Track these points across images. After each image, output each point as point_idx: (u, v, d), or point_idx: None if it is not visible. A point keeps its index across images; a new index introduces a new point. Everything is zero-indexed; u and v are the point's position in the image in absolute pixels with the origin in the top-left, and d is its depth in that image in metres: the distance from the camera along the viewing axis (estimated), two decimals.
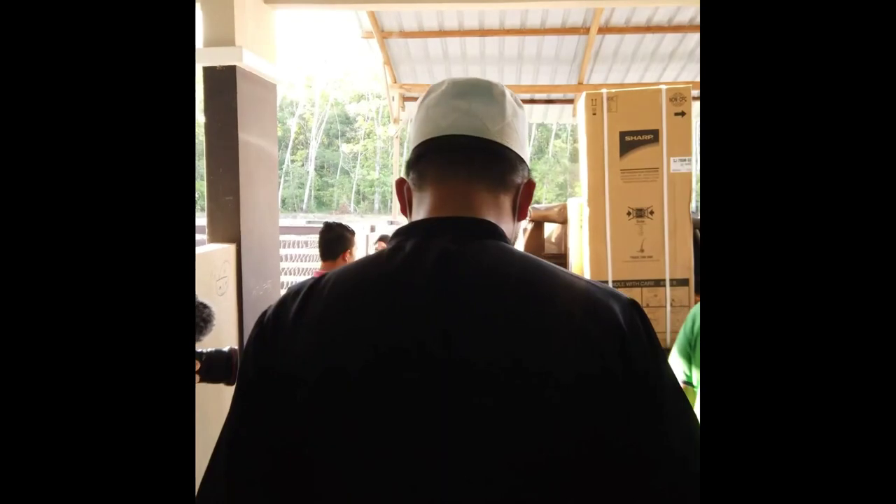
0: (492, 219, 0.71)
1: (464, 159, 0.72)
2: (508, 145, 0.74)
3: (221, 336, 2.45)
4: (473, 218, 0.70)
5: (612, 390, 0.59)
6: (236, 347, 1.62)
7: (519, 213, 0.77)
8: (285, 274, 5.89)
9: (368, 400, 0.59)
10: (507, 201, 0.74)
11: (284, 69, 2.99)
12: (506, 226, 0.73)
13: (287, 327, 0.65)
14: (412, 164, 0.75)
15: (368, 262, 0.69)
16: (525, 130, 0.78)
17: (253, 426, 0.64)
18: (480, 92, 0.74)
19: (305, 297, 0.66)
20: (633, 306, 0.65)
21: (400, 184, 0.78)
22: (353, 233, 3.02)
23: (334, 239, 2.92)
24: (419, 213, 0.73)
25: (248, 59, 2.58)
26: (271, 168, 2.89)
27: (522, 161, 0.76)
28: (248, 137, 2.64)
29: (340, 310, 0.64)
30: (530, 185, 0.77)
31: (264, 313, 0.69)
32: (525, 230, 4.13)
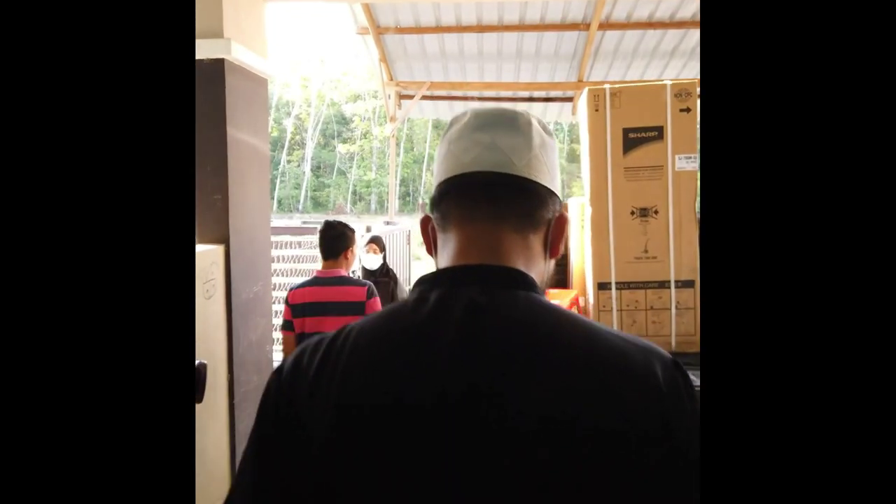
0: (521, 264, 0.68)
1: (488, 198, 0.69)
2: (536, 179, 0.70)
3: (209, 342, 2.35)
4: (501, 266, 0.66)
5: (647, 456, 0.56)
6: (205, 362, 1.51)
7: (551, 250, 0.72)
8: (279, 275, 5.79)
9: (389, 453, 0.58)
10: (536, 241, 0.70)
11: (278, 66, 2.90)
12: (536, 268, 0.70)
13: (308, 378, 0.63)
14: (435, 204, 0.73)
15: (392, 313, 0.66)
16: (555, 160, 0.74)
17: (269, 475, 0.63)
18: (504, 123, 0.71)
19: (327, 348, 0.64)
20: (675, 367, 0.62)
21: (425, 222, 0.75)
22: (353, 231, 2.96)
23: (336, 237, 2.87)
24: (444, 257, 0.71)
25: (238, 53, 2.48)
26: (262, 166, 2.79)
27: (553, 194, 0.72)
28: (238, 134, 2.54)
29: (364, 362, 0.62)
30: (562, 220, 0.72)
31: (281, 365, 0.67)
32: None
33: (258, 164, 2.74)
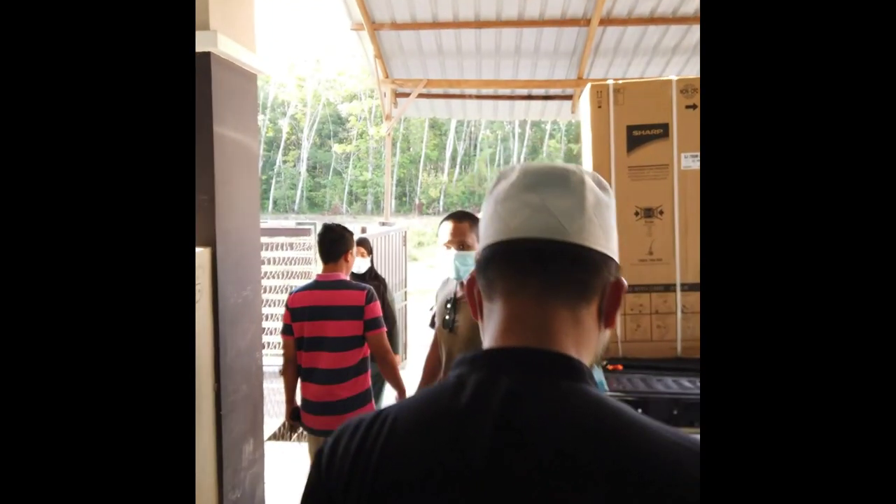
0: (570, 344, 0.63)
1: (536, 268, 0.64)
2: (589, 245, 0.65)
3: (196, 351, 2.24)
4: (546, 351, 0.62)
5: None
6: None
7: (606, 320, 0.67)
8: (273, 278, 5.69)
9: None
10: (588, 315, 0.65)
11: (274, 66, 2.79)
12: (588, 345, 0.65)
13: (345, 466, 0.63)
14: (481, 269, 0.69)
15: (429, 401, 0.64)
16: (612, 219, 0.69)
17: None
18: (555, 182, 0.67)
19: (364, 435, 0.64)
20: None
21: (471, 284, 0.71)
22: (352, 234, 2.94)
23: (336, 240, 2.84)
24: (488, 330, 0.68)
25: (224, 46, 2.37)
26: (251, 165, 2.68)
27: (608, 259, 0.66)
28: (225, 131, 2.43)
29: (399, 452, 0.61)
30: (618, 287, 0.66)
31: (321, 449, 0.67)
32: None
33: (247, 162, 2.63)
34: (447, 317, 2.34)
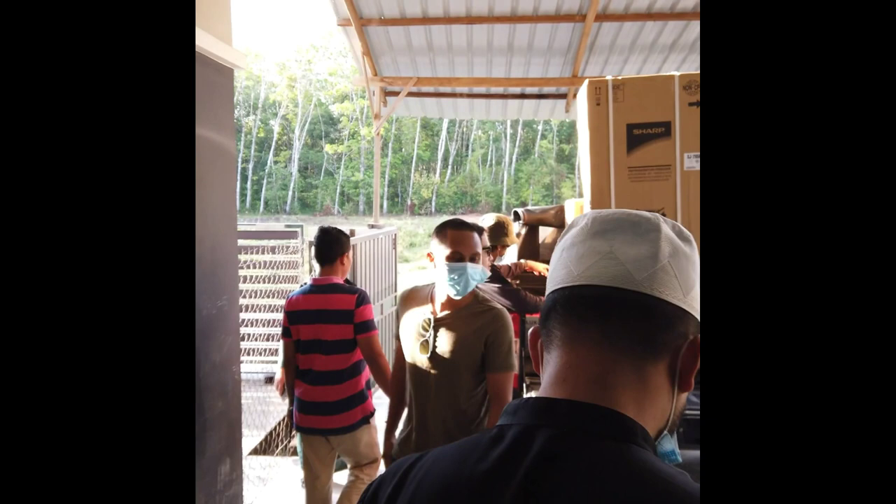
0: (629, 401, 0.59)
1: (596, 317, 0.61)
2: (661, 296, 0.60)
3: None
4: (594, 406, 0.58)
5: None
6: None
7: (680, 382, 0.61)
8: (260, 282, 5.53)
9: None
10: (656, 373, 0.60)
11: (244, 56, 2.62)
12: (654, 405, 0.60)
13: None
14: (542, 318, 0.67)
15: (463, 452, 0.62)
16: (692, 271, 0.64)
17: None
18: (625, 228, 0.64)
19: (402, 478, 0.64)
20: None
21: (534, 336, 0.68)
22: (348, 237, 2.97)
23: (332, 242, 2.86)
24: (543, 378, 0.65)
25: (197, 38, 2.20)
26: (228, 166, 2.52)
27: (686, 314, 0.61)
28: (198, 130, 2.27)
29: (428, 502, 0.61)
30: (695, 346, 0.61)
31: (369, 487, 0.68)
32: (519, 234, 3.82)
33: (222, 163, 2.46)
34: (422, 339, 2.07)
